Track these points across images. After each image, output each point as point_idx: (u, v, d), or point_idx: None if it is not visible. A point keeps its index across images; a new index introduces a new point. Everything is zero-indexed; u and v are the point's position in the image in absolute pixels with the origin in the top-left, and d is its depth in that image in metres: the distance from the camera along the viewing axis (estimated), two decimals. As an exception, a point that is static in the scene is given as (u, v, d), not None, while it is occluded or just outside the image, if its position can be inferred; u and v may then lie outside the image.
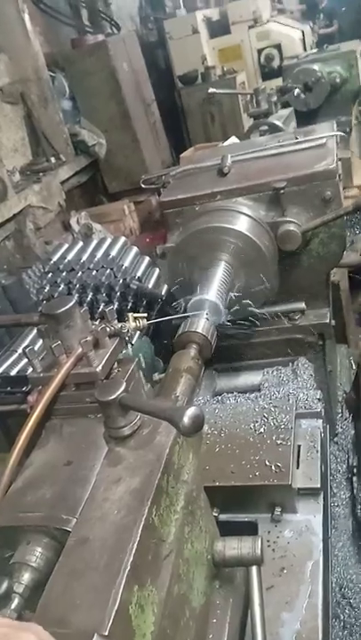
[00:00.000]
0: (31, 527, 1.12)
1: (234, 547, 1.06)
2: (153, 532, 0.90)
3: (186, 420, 0.88)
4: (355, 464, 2.18)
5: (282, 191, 1.82)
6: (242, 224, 1.79)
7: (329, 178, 1.82)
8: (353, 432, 2.27)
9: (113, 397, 1.02)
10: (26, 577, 1.04)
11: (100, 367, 1.32)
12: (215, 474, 1.47)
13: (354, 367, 2.83)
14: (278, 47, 8.18)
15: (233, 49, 8.45)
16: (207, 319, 1.51)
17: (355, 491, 2.12)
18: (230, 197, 1.91)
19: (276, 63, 8.07)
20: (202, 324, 1.49)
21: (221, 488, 1.44)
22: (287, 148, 2.05)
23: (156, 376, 1.44)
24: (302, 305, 2.05)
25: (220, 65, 8.09)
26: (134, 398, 1.03)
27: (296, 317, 2.05)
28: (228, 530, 1.23)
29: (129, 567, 0.82)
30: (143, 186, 2.48)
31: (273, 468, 1.44)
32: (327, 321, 2.02)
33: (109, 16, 7.56)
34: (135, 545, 0.84)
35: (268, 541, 1.38)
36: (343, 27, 7.93)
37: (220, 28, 8.58)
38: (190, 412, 0.88)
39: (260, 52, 8.31)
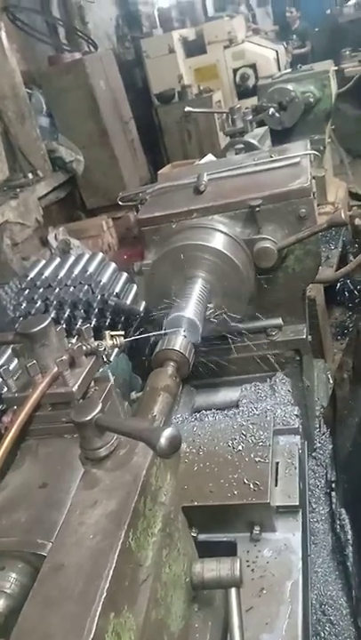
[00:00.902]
0: (5, 552, 1.10)
1: (212, 568, 1.05)
2: (130, 556, 0.88)
3: (163, 441, 0.86)
4: (333, 479, 2.18)
5: (257, 209, 1.84)
6: (218, 241, 1.80)
7: (304, 196, 1.85)
8: (331, 447, 2.28)
9: (89, 418, 1.00)
10: (0, 604, 1.01)
11: (76, 387, 1.30)
12: (194, 493, 1.46)
13: (331, 382, 2.85)
14: (253, 67, 8.35)
15: (209, 68, 8.60)
16: (184, 336, 1.51)
17: (333, 506, 2.12)
18: (207, 215, 1.92)
19: (251, 82, 8.23)
20: (179, 342, 1.48)
21: (200, 508, 1.42)
22: (262, 167, 2.07)
23: (134, 395, 1.42)
24: (279, 321, 2.06)
25: (196, 84, 8.23)
26: (110, 419, 1.01)
27: (273, 333, 2.06)
28: (207, 550, 1.22)
29: (105, 594, 0.80)
30: (121, 203, 2.49)
31: (251, 486, 1.43)
32: (304, 336, 2.04)
33: (86, 34, 7.63)
34: (111, 570, 0.82)
35: (247, 561, 1.37)
36: (316, 47, 8.13)
37: (196, 47, 8.73)
38: (167, 432, 0.87)
39: (235, 71, 8.47)
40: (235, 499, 1.41)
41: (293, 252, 1.94)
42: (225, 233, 1.83)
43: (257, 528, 1.41)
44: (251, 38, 8.90)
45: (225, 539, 1.43)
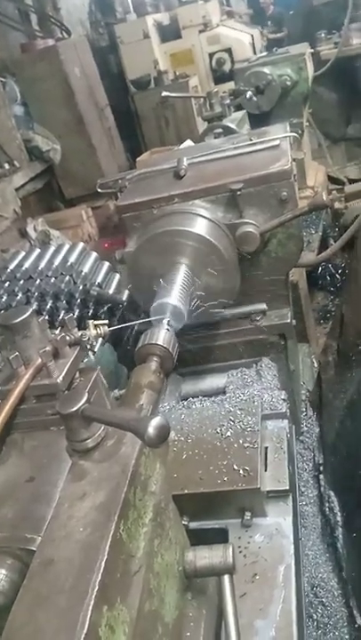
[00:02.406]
0: (-7, 549, 1.07)
1: (205, 556, 1.04)
2: (121, 547, 0.87)
3: (151, 430, 0.85)
4: (320, 462, 2.19)
5: (238, 192, 1.82)
6: (200, 226, 1.78)
7: (284, 178, 1.83)
8: (318, 430, 2.29)
9: (75, 409, 0.98)
10: (-11, 601, 0.99)
11: (60, 378, 1.28)
12: (183, 481, 1.44)
13: (316, 365, 2.86)
14: (229, 51, 8.27)
15: (184, 53, 8.50)
16: (167, 330, 1.48)
17: (322, 489, 2.13)
18: (187, 200, 1.89)
19: (227, 67, 8.15)
20: (162, 336, 1.45)
21: (190, 495, 1.41)
22: (242, 150, 2.05)
23: (117, 392, 1.39)
24: (263, 306, 2.05)
25: (172, 69, 8.12)
26: (97, 409, 0.99)
27: (258, 318, 2.05)
28: (198, 538, 1.21)
29: (97, 587, 0.78)
30: (100, 190, 2.44)
31: (241, 472, 1.42)
32: (288, 321, 2.03)
33: (59, 21, 7.48)
34: (103, 563, 0.81)
35: (239, 547, 1.36)
36: (291, 31, 8.07)
37: (170, 32, 8.60)
38: (155, 422, 0.85)
39: (211, 56, 8.38)
40: (225, 485, 1.41)
41: (276, 236, 1.92)
42: (207, 218, 1.80)
43: (248, 514, 1.41)
44: (225, 22, 8.79)
45: (216, 526, 1.43)
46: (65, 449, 1.14)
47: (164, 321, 1.53)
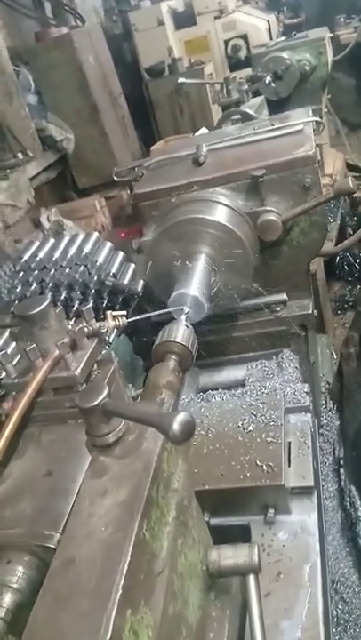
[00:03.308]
0: (11, 545, 1.05)
1: (229, 555, 1.00)
2: (145, 548, 0.83)
3: (176, 426, 0.81)
4: (341, 455, 2.14)
5: (261, 179, 1.76)
6: (220, 214, 1.73)
7: (308, 164, 1.77)
8: (338, 423, 2.24)
9: (95, 403, 0.94)
10: (7, 599, 0.97)
11: (78, 370, 1.24)
12: (204, 477, 1.41)
13: (335, 357, 2.81)
14: (245, 37, 8.13)
15: (199, 40, 8.37)
16: (186, 326, 1.42)
17: (342, 483, 2.09)
18: (207, 187, 1.84)
19: (243, 54, 8.02)
20: (181, 333, 1.39)
21: (211, 491, 1.38)
22: (263, 135, 1.99)
23: (133, 392, 1.34)
24: (284, 296, 2.00)
25: (186, 57, 8.01)
26: (118, 403, 0.95)
27: (278, 309, 2.00)
28: (219, 534, 1.17)
29: (120, 590, 0.74)
30: (116, 178, 2.40)
31: (264, 467, 1.38)
32: (310, 311, 1.98)
33: (73, 9, 7.40)
34: (126, 565, 0.77)
35: (262, 545, 1.33)
36: (308, 15, 7.91)
37: (185, 19, 8.47)
38: (180, 417, 0.81)
39: (226, 42, 8.25)
40: (247, 481, 1.37)
41: (298, 224, 1.87)
42: (227, 205, 1.75)
43: (271, 511, 1.37)
44: (241, 8, 8.64)
45: (238, 522, 1.39)
46: (84, 444, 1.11)
47: (183, 317, 1.48)
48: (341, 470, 2.07)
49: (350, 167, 5.53)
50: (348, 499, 1.98)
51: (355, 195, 5.07)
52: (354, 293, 4.48)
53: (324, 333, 3.19)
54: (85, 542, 0.83)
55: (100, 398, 0.95)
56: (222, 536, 1.17)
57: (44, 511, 1.10)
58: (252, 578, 0.98)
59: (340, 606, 1.81)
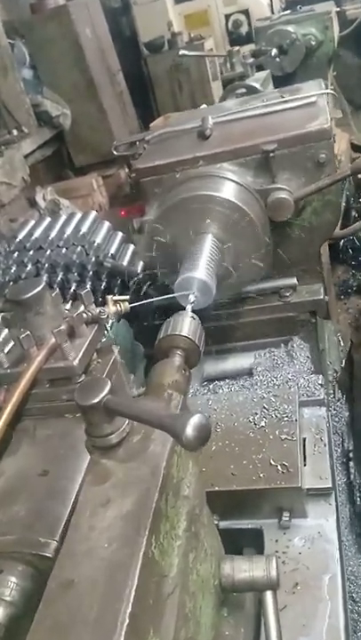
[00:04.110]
0: (3, 553, 0.96)
1: (244, 569, 0.90)
2: (153, 567, 0.73)
3: (190, 431, 0.70)
4: (350, 448, 2.05)
5: (272, 154, 1.64)
6: (229, 191, 1.61)
7: (323, 138, 1.65)
8: (347, 414, 2.14)
9: (97, 400, 0.84)
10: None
11: (77, 360, 1.14)
12: (213, 477, 1.31)
13: (342, 344, 2.70)
14: (246, 13, 7.92)
15: (200, 15, 8.15)
16: (193, 317, 1.28)
17: (351, 477, 2.00)
18: (214, 163, 1.72)
19: (244, 29, 7.83)
20: (187, 325, 1.24)
21: (221, 493, 1.28)
22: (274, 108, 1.86)
23: (135, 392, 1.23)
24: (294, 281, 1.89)
25: (186, 31, 7.80)
26: (122, 401, 0.85)
27: (287, 294, 1.89)
28: (229, 539, 1.08)
29: (127, 620, 0.64)
30: (115, 153, 2.27)
31: (279, 467, 1.28)
32: (321, 297, 1.88)
33: (70, -21, 7.15)
34: (133, 589, 0.67)
35: (276, 552, 1.23)
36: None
37: (186, -8, 8.23)
38: (194, 420, 0.71)
39: (227, 17, 8.04)
40: (261, 482, 1.27)
41: (311, 204, 1.75)
42: (236, 182, 1.63)
43: (286, 514, 1.27)
44: (243, -19, 8.39)
45: (250, 526, 1.29)
46: (83, 443, 1.01)
47: (188, 307, 1.35)
48: (351, 463, 1.98)
49: (355, 147, 5.38)
50: (358, 493, 1.89)
51: (360, 176, 4.94)
52: (358, 278, 4.37)
53: (329, 319, 3.08)
54: (86, 561, 0.73)
55: (102, 395, 0.84)
56: (232, 541, 1.07)
57: (40, 515, 1.00)
58: (269, 595, 0.89)
59: (349, 606, 1.72)
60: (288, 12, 4.66)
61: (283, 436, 1.36)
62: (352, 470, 1.99)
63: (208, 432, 0.72)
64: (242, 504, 1.31)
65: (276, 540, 1.27)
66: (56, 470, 1.08)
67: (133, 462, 0.84)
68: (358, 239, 4.27)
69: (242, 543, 1.26)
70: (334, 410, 2.16)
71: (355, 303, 4.16)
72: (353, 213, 4.51)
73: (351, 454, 2.02)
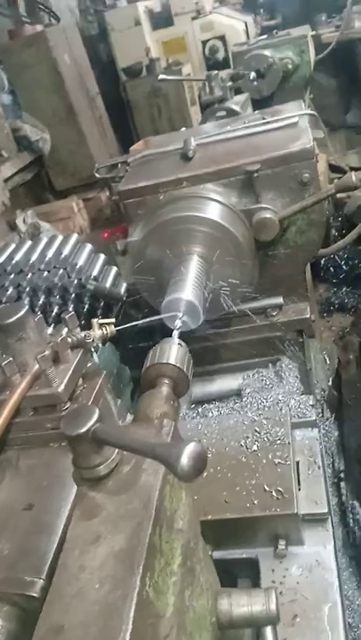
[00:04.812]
0: (-14, 594, 0.90)
1: (242, 603, 0.86)
2: (148, 608, 0.68)
3: (185, 460, 0.66)
4: (341, 468, 2.02)
5: (256, 174, 1.63)
6: (214, 211, 1.59)
7: (306, 158, 1.65)
8: (337, 433, 2.11)
9: (85, 430, 0.79)
10: (-17, 659, 0.82)
11: (62, 387, 1.10)
12: (206, 505, 1.26)
13: (328, 362, 2.69)
14: (222, 39, 8.07)
15: (177, 41, 8.28)
16: (180, 345, 1.24)
17: (344, 497, 1.96)
18: (198, 184, 1.71)
19: (220, 55, 7.96)
20: (174, 353, 1.20)
21: (215, 522, 1.23)
22: (256, 129, 1.86)
23: (125, 419, 1.18)
24: (280, 300, 1.87)
25: (164, 57, 7.91)
26: (111, 430, 0.81)
27: (274, 314, 1.87)
28: (223, 569, 1.03)
29: (122, 670, 0.60)
30: (97, 175, 2.25)
31: (274, 493, 1.24)
32: (308, 316, 1.86)
33: (48, 7, 7.22)
34: (128, 634, 0.63)
35: (273, 582, 1.19)
36: (288, 16, 7.87)
37: (162, 19, 8.37)
38: (190, 449, 0.67)
39: (204, 43, 8.17)
40: (256, 510, 1.22)
41: (295, 223, 1.75)
42: (220, 202, 1.62)
43: (282, 542, 1.23)
44: (218, 9, 8.58)
45: (244, 555, 1.24)
46: (70, 473, 0.96)
47: (175, 333, 1.31)
48: (342, 484, 1.94)
49: (333, 168, 5.46)
50: (350, 515, 1.85)
51: (338, 195, 5.01)
52: (340, 296, 4.39)
53: (313, 337, 3.08)
54: (77, 604, 0.68)
55: (90, 424, 0.80)
56: (226, 571, 1.03)
57: (25, 552, 0.95)
58: (269, 631, 0.84)
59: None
60: (265, 36, 4.75)
61: (276, 460, 1.32)
62: (343, 491, 1.95)
63: (204, 461, 0.68)
64: (236, 533, 1.26)
65: (273, 570, 1.22)
66: (41, 503, 1.04)
67: (124, 495, 0.80)
68: (339, 257, 4.29)
69: (236, 574, 1.22)
70: (324, 430, 2.13)
71: (337, 321, 4.17)
72: (333, 232, 4.55)
73: (342, 475, 1.98)
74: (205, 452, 0.68)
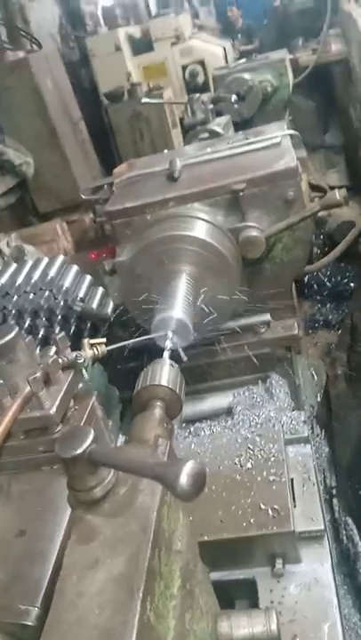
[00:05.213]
0: (-21, 624, 0.87)
1: (243, 625, 0.84)
2: (150, 633, 0.67)
3: (184, 479, 0.66)
4: (333, 484, 2.01)
5: (241, 193, 1.65)
6: (201, 230, 1.61)
7: (291, 177, 1.68)
8: (327, 450, 2.11)
9: (80, 452, 0.78)
10: None
11: (53, 408, 1.09)
12: (201, 526, 1.24)
13: (315, 378, 2.69)
14: (202, 63, 8.24)
15: (157, 66, 8.43)
16: (172, 365, 1.22)
17: (336, 514, 1.95)
18: (184, 203, 1.72)
19: (200, 79, 8.11)
20: (165, 374, 1.18)
21: (211, 543, 1.21)
22: (240, 149, 1.89)
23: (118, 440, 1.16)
24: (268, 317, 1.88)
25: (145, 82, 8.03)
26: (106, 451, 0.80)
27: (262, 330, 1.88)
28: (220, 591, 1.01)
29: None
30: (84, 197, 2.26)
31: (270, 511, 1.23)
32: (296, 332, 1.87)
33: (29, 33, 7.31)
34: (130, 662, 0.61)
35: (271, 602, 1.17)
36: (265, 41, 8.06)
37: (143, 45, 8.53)
38: (188, 468, 0.66)
39: (184, 68, 8.33)
40: (252, 529, 1.21)
41: (281, 241, 1.77)
42: (207, 221, 1.63)
43: (279, 561, 1.21)
44: (197, 35, 8.77)
45: (241, 576, 1.22)
46: (61, 494, 0.94)
47: (166, 354, 1.30)
48: (334, 500, 1.93)
49: (313, 187, 5.55)
50: (344, 531, 1.84)
51: (319, 214, 5.08)
52: (324, 312, 4.42)
53: (299, 354, 3.09)
54: (76, 631, 0.66)
55: (85, 445, 0.79)
56: (224, 593, 1.01)
57: (19, 580, 0.93)
58: (271, 651, 0.82)
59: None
60: (243, 60, 4.86)
61: (271, 478, 1.31)
62: (336, 507, 1.94)
63: (203, 479, 0.67)
64: (232, 553, 1.24)
65: (271, 590, 1.20)
66: (34, 529, 1.01)
67: (121, 517, 0.79)
68: (323, 274, 4.34)
69: (233, 595, 1.19)
70: (314, 446, 2.12)
71: (322, 337, 4.20)
72: (315, 250, 4.60)
73: (334, 491, 1.97)
74: (204, 470, 0.67)
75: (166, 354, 1.27)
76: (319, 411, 2.26)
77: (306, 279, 4.43)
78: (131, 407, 1.96)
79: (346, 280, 4.20)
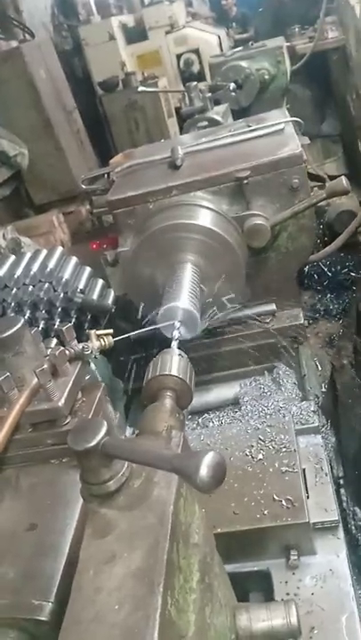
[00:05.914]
0: (-7, 620, 0.86)
1: (262, 618, 0.83)
2: (172, 629, 0.65)
3: (204, 471, 0.64)
4: (341, 474, 2.00)
5: (245, 181, 1.62)
6: (206, 219, 1.58)
7: (296, 164, 1.65)
8: (334, 440, 2.10)
9: (94, 444, 0.76)
10: None
11: (62, 401, 1.07)
12: (214, 518, 1.22)
13: (320, 368, 2.68)
14: (197, 52, 8.16)
15: (152, 55, 8.35)
16: (181, 355, 1.20)
17: (344, 504, 1.94)
18: (187, 192, 1.70)
19: (195, 68, 8.04)
20: (176, 364, 1.15)
21: (225, 535, 1.19)
22: (243, 137, 1.86)
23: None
24: (273, 307, 1.86)
25: (139, 71, 7.95)
26: (121, 443, 0.78)
27: (267, 320, 1.86)
28: (234, 583, 1.00)
29: None
30: (83, 187, 2.22)
31: (283, 502, 1.21)
32: (301, 322, 1.85)
33: (22, 23, 7.22)
34: (153, 658, 0.59)
35: (287, 594, 1.15)
36: (261, 29, 7.98)
37: (136, 34, 8.44)
38: (209, 459, 0.64)
39: (178, 57, 8.25)
40: (266, 520, 1.19)
41: (286, 229, 1.75)
42: (212, 209, 1.60)
43: (294, 552, 1.20)
44: (192, 23, 8.68)
45: (256, 568, 1.21)
46: (70, 485, 0.93)
47: (174, 344, 1.28)
48: (342, 491, 1.92)
49: (311, 177, 5.52)
50: (352, 521, 1.83)
51: (319, 204, 5.05)
52: (325, 302, 4.41)
53: (302, 344, 3.07)
54: (95, 628, 0.65)
55: (99, 437, 0.77)
56: (239, 585, 1.00)
57: (31, 575, 0.91)
58: (291, 644, 0.81)
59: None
60: (240, 48, 4.80)
61: (283, 469, 1.30)
62: (344, 498, 1.93)
63: (224, 471, 0.65)
64: (246, 545, 1.22)
65: (286, 582, 1.19)
66: (44, 523, 1.00)
67: (137, 510, 0.77)
68: (323, 264, 4.32)
69: (248, 587, 1.18)
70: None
71: (324, 327, 4.19)
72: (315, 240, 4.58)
73: (342, 481, 1.96)
74: (224, 461, 0.65)
75: (175, 343, 1.25)
76: (324, 401, 2.24)
77: (306, 269, 4.41)
78: (134, 399, 1.95)
79: (346, 270, 4.19)
